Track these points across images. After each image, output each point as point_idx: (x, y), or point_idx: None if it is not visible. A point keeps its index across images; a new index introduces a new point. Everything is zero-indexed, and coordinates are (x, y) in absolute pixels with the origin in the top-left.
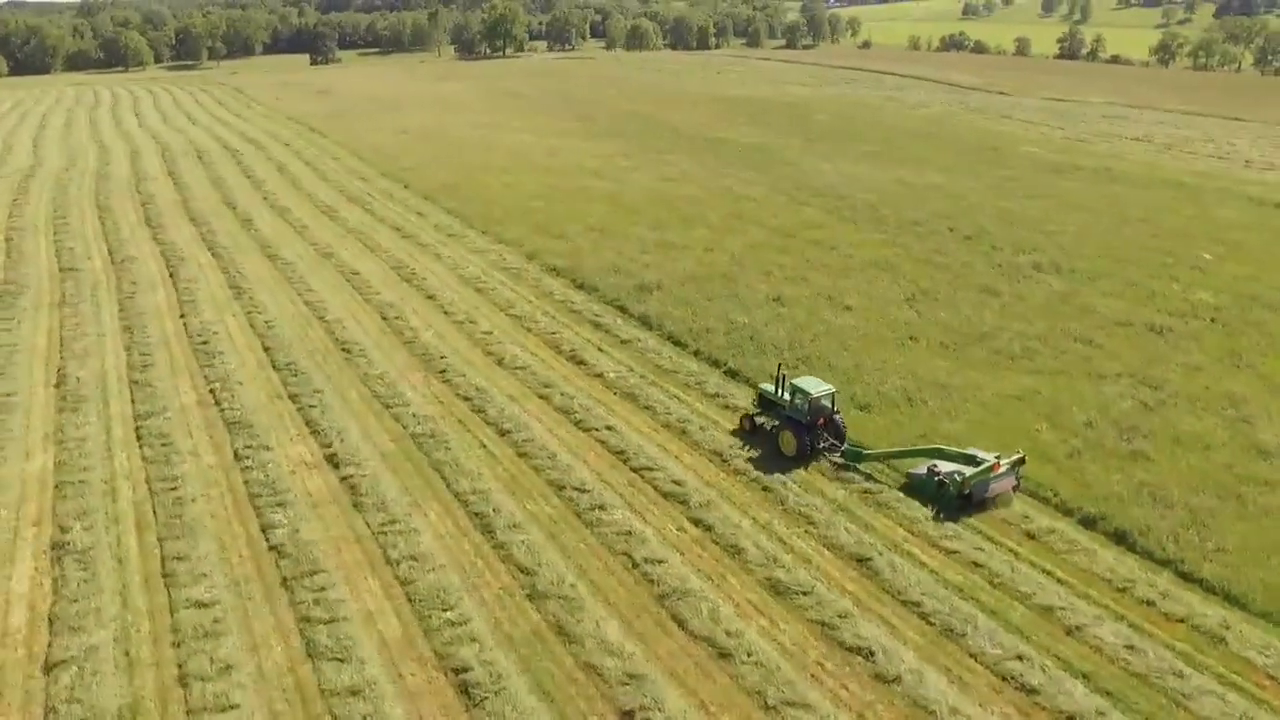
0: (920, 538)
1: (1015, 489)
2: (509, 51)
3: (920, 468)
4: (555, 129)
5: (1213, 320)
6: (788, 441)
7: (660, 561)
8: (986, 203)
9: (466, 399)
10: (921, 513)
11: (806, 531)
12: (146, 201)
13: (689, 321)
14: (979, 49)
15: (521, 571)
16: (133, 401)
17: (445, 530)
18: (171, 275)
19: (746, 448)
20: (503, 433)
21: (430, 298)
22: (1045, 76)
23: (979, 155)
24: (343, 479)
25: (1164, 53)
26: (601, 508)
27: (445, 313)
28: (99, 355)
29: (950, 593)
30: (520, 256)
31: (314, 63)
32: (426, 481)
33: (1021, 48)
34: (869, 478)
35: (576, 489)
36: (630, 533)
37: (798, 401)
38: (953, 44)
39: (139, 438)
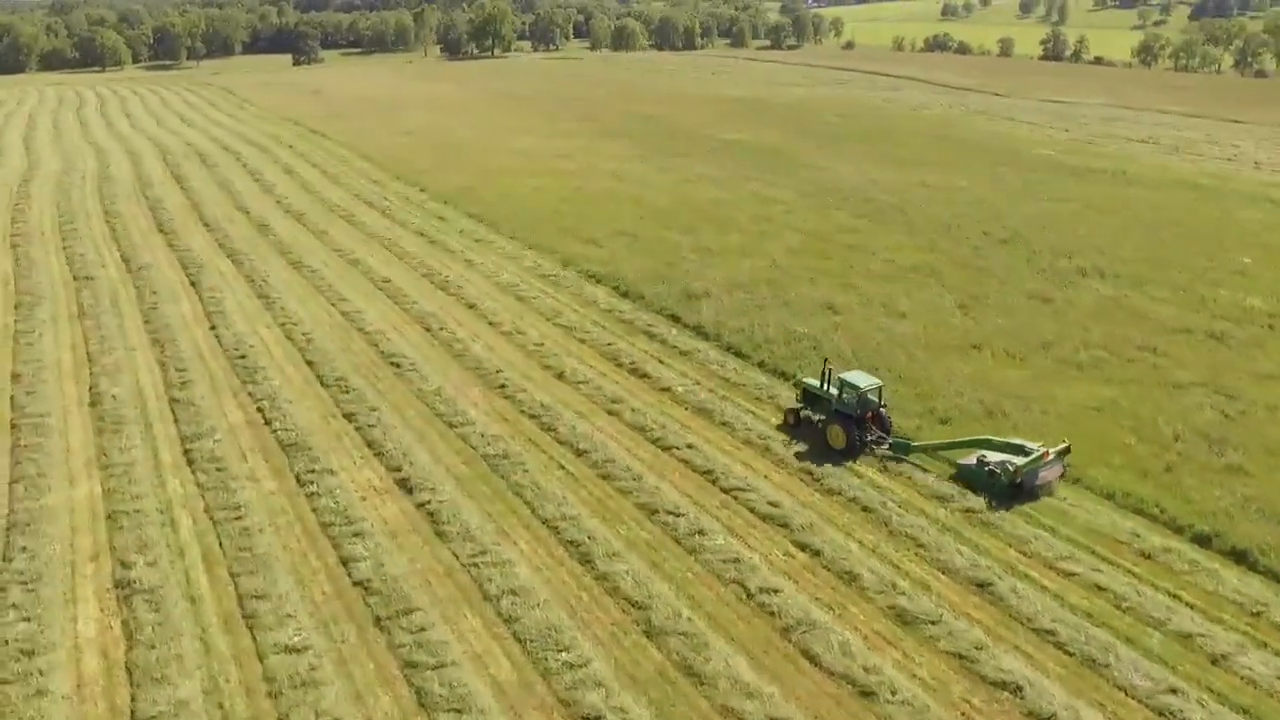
0: (1035, 559)
1: (1061, 477)
2: (496, 52)
3: (969, 458)
4: (561, 130)
5: (1270, 327)
6: (837, 435)
7: (775, 591)
8: (1013, 206)
9: (533, 416)
10: (1031, 532)
11: (917, 555)
12: (155, 206)
13: (747, 331)
14: (963, 50)
15: (633, 605)
16: (176, 422)
17: (540, 561)
18: (193, 284)
19: (840, 466)
20: (579, 452)
21: (471, 307)
22: (1035, 77)
23: (994, 157)
24: (419, 505)
25: (1146, 54)
26: (701, 533)
27: (490, 323)
28: (131, 371)
29: (1081, 619)
30: (555, 263)
31: (297, 63)
32: (509, 507)
33: (1005, 48)
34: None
35: (670, 513)
36: (738, 560)
37: (846, 396)
38: (936, 44)
39: (190, 461)
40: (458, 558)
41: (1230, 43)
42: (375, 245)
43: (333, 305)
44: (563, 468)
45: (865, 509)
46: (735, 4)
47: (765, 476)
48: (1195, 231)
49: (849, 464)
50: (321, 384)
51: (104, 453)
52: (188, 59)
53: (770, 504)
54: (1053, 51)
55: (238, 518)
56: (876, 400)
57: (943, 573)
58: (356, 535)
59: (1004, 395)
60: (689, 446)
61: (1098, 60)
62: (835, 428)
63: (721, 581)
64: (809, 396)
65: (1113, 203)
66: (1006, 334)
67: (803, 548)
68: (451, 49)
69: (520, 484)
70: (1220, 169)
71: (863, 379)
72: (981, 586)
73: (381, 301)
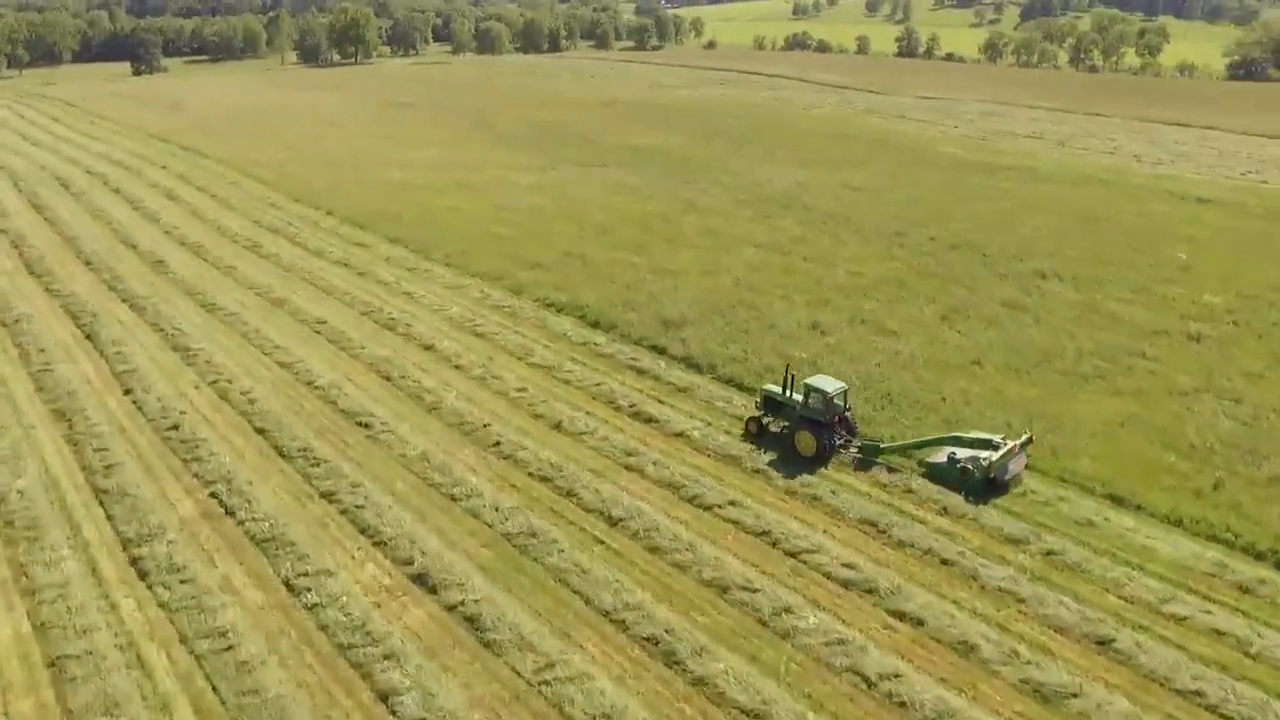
0: (1139, 604)
1: (1025, 467)
2: (360, 58)
3: (939, 455)
4: (459, 140)
5: (1235, 324)
6: (806, 442)
7: (895, 676)
8: (947, 209)
9: (545, 479)
10: (1122, 573)
11: (1020, 612)
12: (18, 242)
13: (742, 361)
14: (822, 48)
15: (747, 715)
16: (110, 520)
17: (620, 668)
18: (89, 337)
19: (900, 517)
20: (613, 521)
21: (428, 348)
22: (902, 75)
23: (903, 156)
24: (450, 608)
25: (992, 50)
26: (788, 611)
27: (456, 367)
28: (35, 456)
29: (1219, 673)
30: (505, 291)
31: (137, 72)
32: (558, 600)
33: (863, 46)
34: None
35: (743, 588)
36: (841, 641)
37: (813, 401)
38: (796, 43)
39: (142, 574)
40: (521, 675)
41: (1064, 40)
42: (295, 280)
43: (267, 355)
44: (601, 542)
45: (945, 562)
46: (595, 5)
47: (825, 532)
48: (1123, 228)
49: (913, 514)
50: (282, 456)
51: (23, 572)
52: (9, 67)
53: (845, 566)
54: (907, 49)
55: (227, 648)
56: (843, 404)
57: (1056, 631)
58: (387, 657)
59: (1026, 415)
60: (731, 503)
61: (949, 57)
62: (804, 434)
63: (833, 671)
64: (771, 404)
65: (1037, 201)
66: (1001, 347)
67: (901, 616)
68: (309, 56)
69: (560, 568)
70: (1113, 163)
71: (829, 383)
72: (1103, 644)
73: (323, 347)
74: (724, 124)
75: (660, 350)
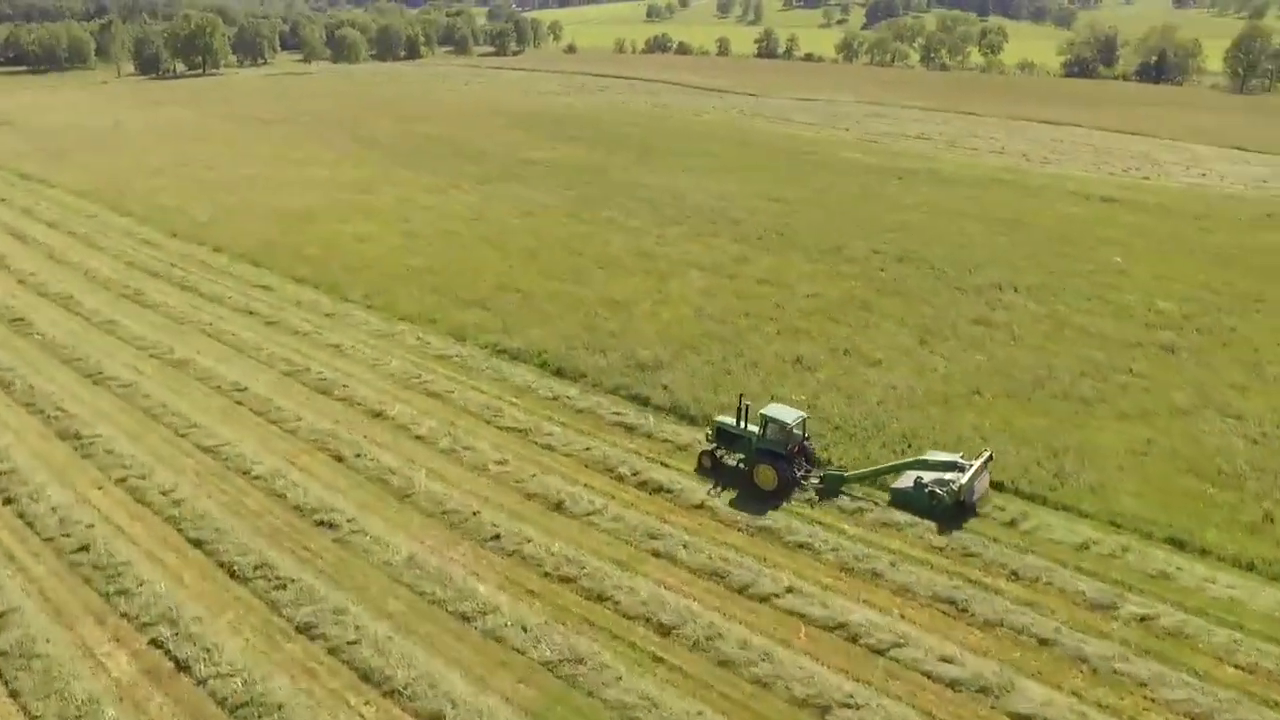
0: (1262, 675)
1: (989, 485)
2: (206, 69)
3: (905, 481)
4: (346, 159)
5: (1198, 331)
6: (766, 476)
7: None
8: (875, 217)
9: (565, 580)
10: (1226, 636)
11: (1147, 698)
12: None
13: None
14: (683, 50)
15: None
16: (14, 698)
17: None
18: None
19: (973, 588)
20: (664, 630)
21: (377, 415)
22: (770, 76)
23: (808, 163)
24: None
25: (847, 51)
26: None
27: (417, 437)
28: None
29: None
30: (445, 337)
31: None
32: None
33: (723, 48)
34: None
35: (845, 705)
36: None
37: (771, 433)
38: (657, 46)
39: None
40: None
41: (913, 40)
42: (194, 334)
43: (182, 436)
44: (659, 660)
45: (1044, 642)
46: (448, 10)
47: (904, 617)
48: (1048, 231)
49: (983, 582)
50: (233, 577)
51: None
52: None
53: (942, 660)
54: (767, 50)
55: None
56: (801, 434)
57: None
58: None
59: (1051, 450)
60: (789, 590)
61: (808, 57)
62: (763, 468)
63: None
64: (724, 436)
65: (955, 205)
66: (991, 372)
67: None
68: (148, 67)
69: (625, 703)
70: (1006, 163)
71: (786, 413)
72: None
73: (250, 422)
74: (617, 132)
75: (643, 401)
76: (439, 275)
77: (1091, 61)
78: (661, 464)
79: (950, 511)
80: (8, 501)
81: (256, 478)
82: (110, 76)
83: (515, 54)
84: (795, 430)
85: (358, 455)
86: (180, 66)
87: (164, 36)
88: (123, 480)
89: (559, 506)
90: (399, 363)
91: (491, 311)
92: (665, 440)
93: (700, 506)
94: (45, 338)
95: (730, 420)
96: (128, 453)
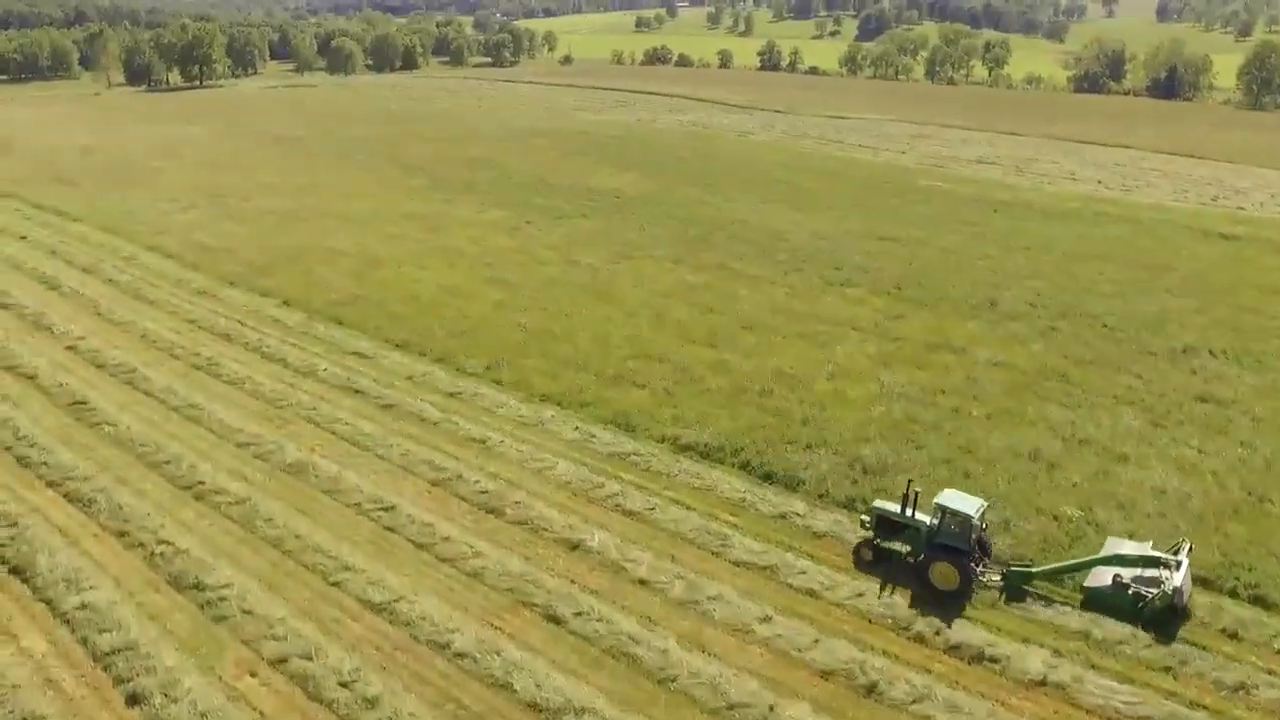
0: None
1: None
2: (203, 81)
3: (1101, 579)
4: (395, 189)
5: None
6: (947, 575)
7: None
8: (999, 261)
9: None
10: None
11: None
12: None
13: (1018, 528)
14: (684, 62)
15: None
16: None
17: None
18: (16, 572)
19: None
20: None
21: (576, 547)
22: (790, 91)
23: (886, 191)
24: None
25: (851, 64)
26: None
27: (640, 582)
28: None
29: None
30: (613, 429)
31: None
32: None
33: (725, 61)
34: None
35: None
36: None
37: (949, 525)
38: (657, 57)
39: None
40: None
41: (916, 53)
42: (300, 423)
43: (336, 586)
44: None
45: None
46: (437, 20)
47: None
48: (1198, 278)
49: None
50: None
51: None
52: None
53: None
54: (770, 63)
55: None
56: (982, 525)
57: None
58: None
59: None
60: None
61: (813, 70)
62: (942, 565)
63: None
64: (886, 524)
65: (1073, 245)
66: (1261, 469)
67: None
68: (138, 78)
69: None
70: (1089, 191)
71: (967, 502)
72: None
73: (418, 562)
74: (671, 156)
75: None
76: (561, 340)
77: (1101, 76)
78: (964, 617)
79: (1163, 616)
80: (135, 701)
81: (460, 655)
82: (100, 87)
83: (511, 65)
84: (977, 522)
85: (578, 614)
86: (173, 78)
87: (158, 46)
88: (281, 662)
89: (872, 691)
90: (568, 465)
91: (649, 390)
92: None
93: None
94: (117, 429)
95: (893, 507)
96: (273, 614)
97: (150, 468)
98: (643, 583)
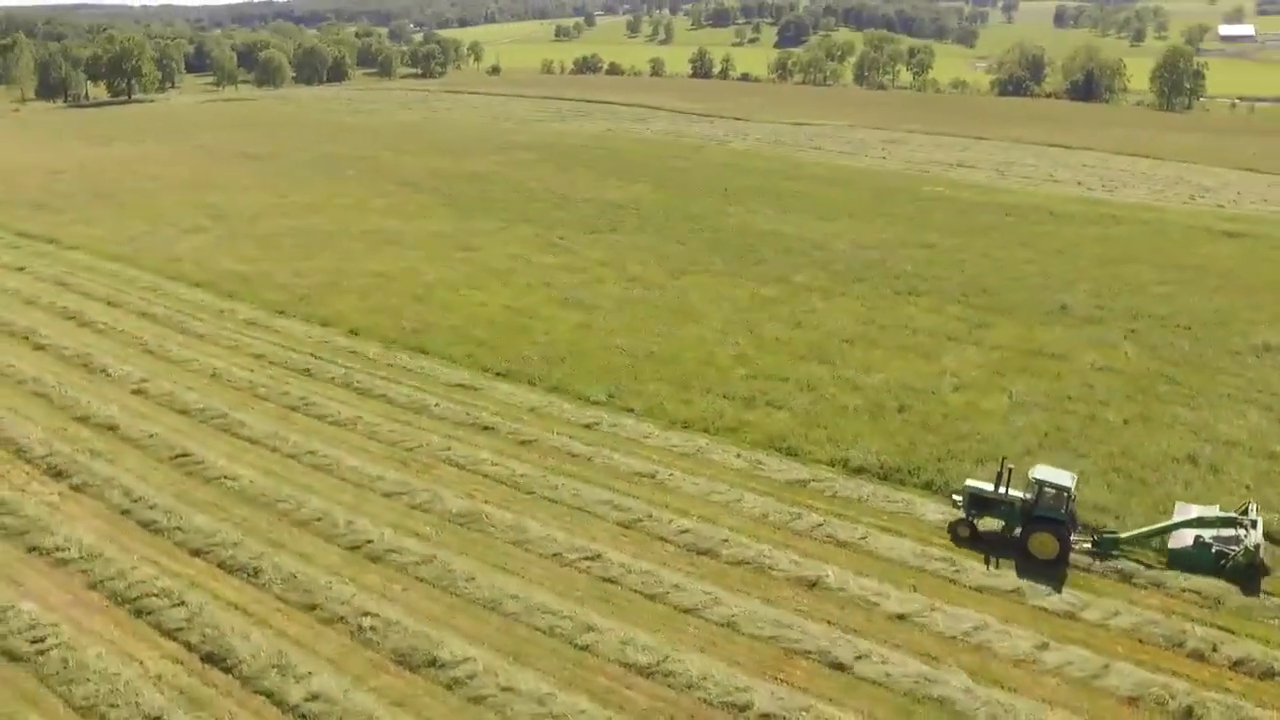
0: None
1: None
2: (131, 95)
3: (1183, 540)
4: (406, 206)
5: None
6: (1046, 544)
7: None
8: (1043, 266)
9: None
10: None
11: None
12: None
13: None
14: (615, 70)
15: None
16: None
17: None
18: None
19: None
20: None
21: (814, 585)
22: (740, 98)
23: (900, 199)
24: None
25: (782, 70)
26: None
27: (899, 618)
28: None
29: None
30: (778, 455)
31: None
32: None
33: (657, 69)
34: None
35: None
36: None
37: (1047, 498)
38: (587, 66)
39: None
40: None
41: (843, 59)
42: (442, 467)
43: (586, 651)
44: None
45: None
46: (356, 31)
47: None
48: (1229, 276)
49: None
50: None
51: None
52: None
53: None
54: (701, 70)
55: None
56: (1074, 496)
57: None
58: None
59: None
60: None
61: (745, 77)
62: (1042, 536)
63: None
64: (979, 502)
65: (1097, 248)
66: None
67: None
68: (52, 91)
69: None
70: (1078, 193)
71: (1061, 475)
72: None
73: (656, 615)
74: (667, 166)
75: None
76: (668, 362)
77: (1025, 80)
78: (1227, 630)
79: (1246, 572)
80: None
81: (766, 716)
82: (15, 103)
83: (439, 76)
84: (1074, 493)
85: (858, 658)
86: (95, 92)
87: (69, 57)
88: None
89: (1190, 716)
90: (754, 497)
91: (788, 411)
92: (1195, 600)
93: None
94: (239, 484)
95: (985, 486)
96: (536, 689)
97: (299, 526)
98: (901, 618)
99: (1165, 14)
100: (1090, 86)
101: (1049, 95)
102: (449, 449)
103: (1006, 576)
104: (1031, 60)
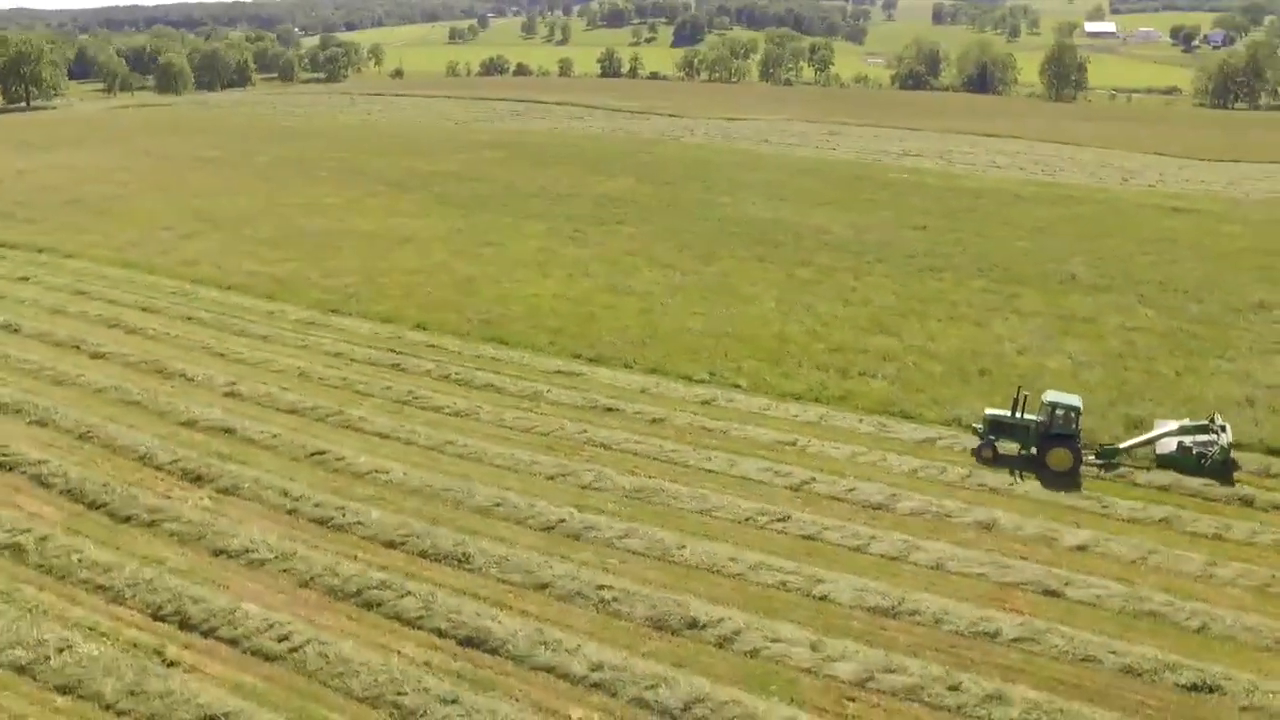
0: None
1: None
2: (30, 102)
3: (1168, 446)
4: (408, 207)
5: None
6: (1063, 458)
7: None
8: (1038, 244)
9: None
10: None
11: None
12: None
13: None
14: (522, 71)
15: None
16: None
17: None
18: None
19: None
20: None
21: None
22: (662, 97)
23: (871, 185)
24: None
25: (689, 68)
26: None
27: None
28: None
29: None
30: (899, 420)
31: None
32: None
33: (565, 69)
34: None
35: None
36: None
37: (1060, 417)
38: (494, 68)
39: None
40: None
41: (747, 56)
42: (629, 458)
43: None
44: None
45: None
46: (247, 36)
47: None
48: (1201, 248)
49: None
50: None
51: None
52: None
53: None
54: (610, 70)
55: None
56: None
57: None
58: None
59: None
60: None
61: (654, 75)
62: (1059, 451)
63: None
64: (998, 427)
65: (1079, 227)
66: None
67: None
68: None
69: None
70: (1025, 177)
71: (1070, 397)
72: None
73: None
74: (634, 161)
75: None
76: (745, 341)
77: (923, 75)
78: None
79: (1219, 469)
80: None
81: (1018, 640)
82: None
83: (343, 80)
84: (1080, 412)
85: (1066, 585)
86: None
87: None
88: None
89: None
90: (896, 457)
91: (884, 380)
92: None
93: None
94: (392, 476)
95: (1003, 412)
96: (804, 637)
97: (480, 514)
98: (1081, 549)
99: (1035, 12)
100: (985, 80)
101: (946, 89)
102: (584, 431)
103: (1151, 510)
104: (929, 55)
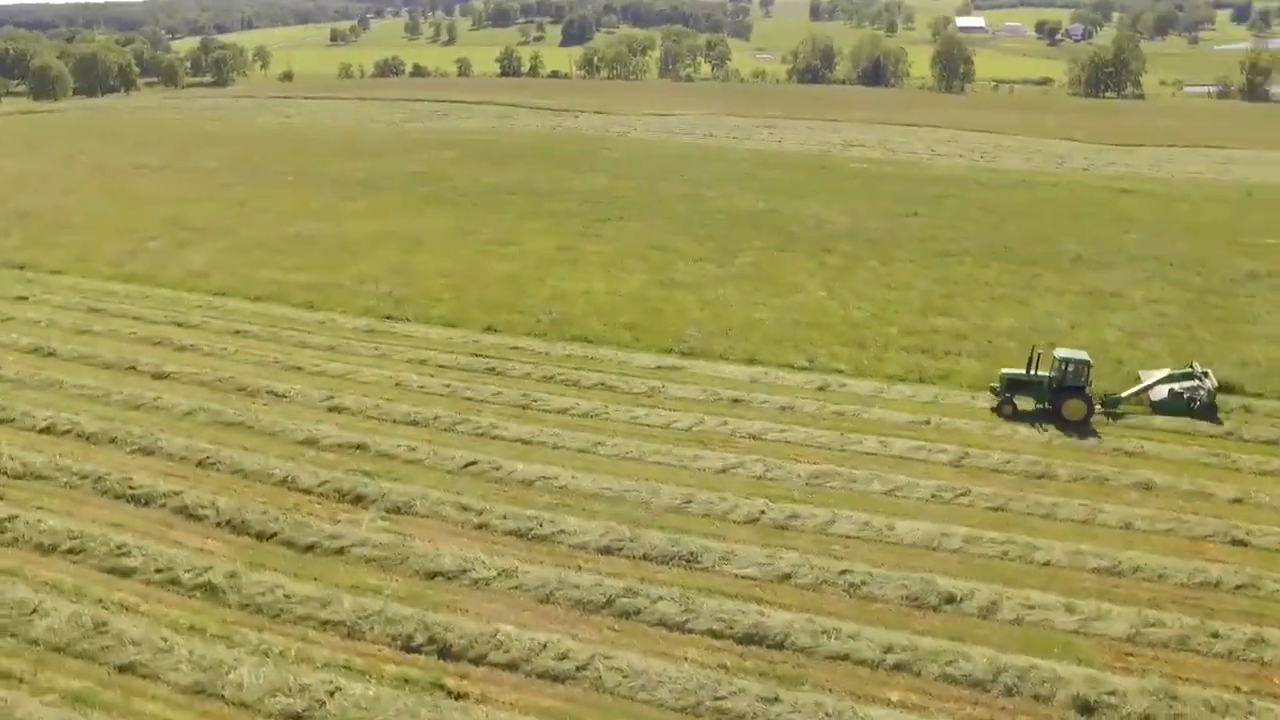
0: None
1: None
2: None
3: (1160, 394)
4: (403, 209)
5: None
6: (1077, 408)
7: None
8: (1029, 225)
9: None
10: None
11: None
12: None
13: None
14: (420, 72)
15: None
16: None
17: None
18: None
19: None
20: None
21: None
22: (579, 95)
23: (835, 175)
24: None
25: (589, 66)
26: None
27: None
28: None
29: None
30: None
31: None
32: None
33: (464, 69)
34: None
35: None
36: None
37: (1071, 371)
38: (390, 69)
39: None
40: None
41: (645, 53)
42: (818, 452)
43: None
44: None
45: None
46: (117, 39)
47: None
48: (1165, 225)
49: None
50: None
51: None
52: None
53: None
54: (510, 69)
55: None
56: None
57: None
58: None
59: None
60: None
61: (555, 74)
62: (1073, 402)
63: None
64: (1015, 385)
65: (1041, 208)
66: None
67: None
68: None
69: None
70: (972, 164)
71: (1078, 353)
72: None
73: None
74: (596, 159)
75: None
76: (815, 328)
77: (819, 69)
78: None
79: (1207, 410)
80: None
81: (1239, 587)
82: None
83: (230, 83)
84: (1090, 365)
85: (1247, 533)
86: None
87: None
88: None
89: None
90: (1026, 429)
91: (970, 357)
92: None
93: None
94: (562, 481)
95: (1018, 371)
96: (1045, 600)
97: (676, 513)
98: (1237, 501)
99: (909, 8)
100: (878, 73)
101: (841, 82)
102: (725, 424)
103: (1272, 462)
104: (823, 50)
